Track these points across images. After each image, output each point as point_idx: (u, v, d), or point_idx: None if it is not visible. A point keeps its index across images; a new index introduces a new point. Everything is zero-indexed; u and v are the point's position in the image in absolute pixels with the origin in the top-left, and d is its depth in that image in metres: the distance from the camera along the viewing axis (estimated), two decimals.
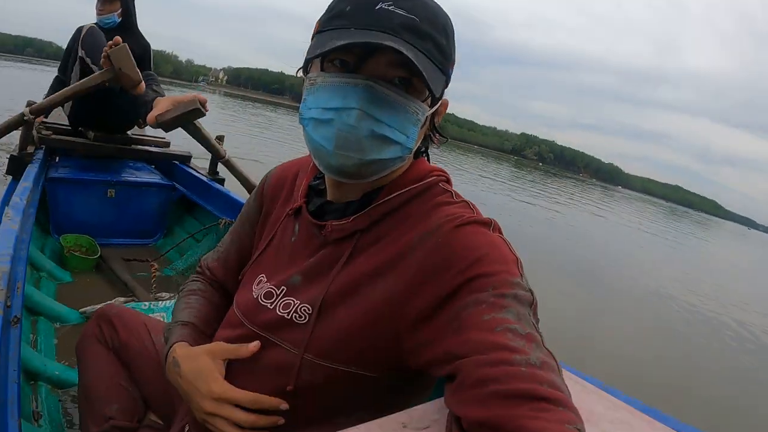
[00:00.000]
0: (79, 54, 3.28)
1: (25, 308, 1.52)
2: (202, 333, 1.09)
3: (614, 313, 7.21)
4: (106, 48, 2.89)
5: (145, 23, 3.76)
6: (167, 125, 3.04)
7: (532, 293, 0.77)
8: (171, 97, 3.09)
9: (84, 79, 3.03)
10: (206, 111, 3.05)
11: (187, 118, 3.04)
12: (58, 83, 3.67)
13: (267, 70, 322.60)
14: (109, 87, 3.15)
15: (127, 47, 2.89)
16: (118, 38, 2.91)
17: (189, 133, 3.31)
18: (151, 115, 3.05)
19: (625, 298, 8.29)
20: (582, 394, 0.74)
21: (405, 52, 0.75)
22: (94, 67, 3.14)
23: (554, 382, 0.65)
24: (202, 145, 3.52)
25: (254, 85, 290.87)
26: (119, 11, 3.51)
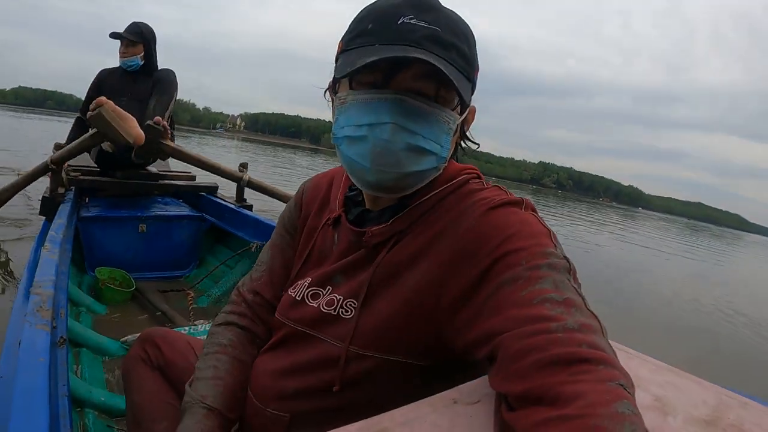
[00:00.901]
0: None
1: (68, 340, 1.55)
2: (226, 419, 1.02)
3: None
4: (90, 109, 2.97)
5: None
6: (143, 157, 3.33)
7: (567, 260, 0.76)
8: None
9: (81, 140, 3.17)
10: (162, 128, 3.25)
11: (152, 140, 3.21)
12: (78, 125, 3.83)
13: (283, 114, 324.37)
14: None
15: (108, 109, 2.94)
16: (100, 99, 2.97)
17: (198, 167, 3.45)
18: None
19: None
20: (625, 359, 0.73)
21: (434, 62, 0.76)
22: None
23: (594, 342, 0.63)
24: (217, 174, 3.63)
25: (271, 130, 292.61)
26: (142, 54, 3.66)
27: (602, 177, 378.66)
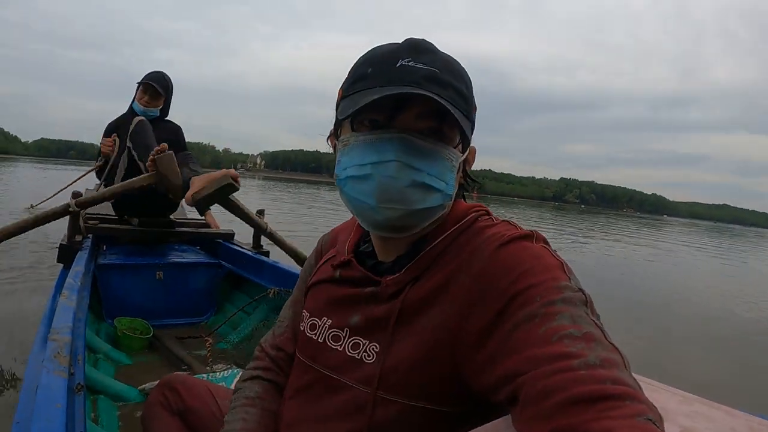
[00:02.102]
0: (128, 144, 3.48)
1: (85, 387, 1.56)
2: None
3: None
4: (153, 153, 3.09)
5: (181, 117, 4.03)
6: (203, 203, 3.14)
7: (583, 292, 0.75)
8: (205, 175, 3.19)
9: (129, 181, 3.22)
10: (239, 185, 3.15)
11: (222, 194, 3.13)
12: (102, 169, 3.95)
13: (302, 150, 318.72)
14: (154, 188, 3.30)
15: (173, 155, 3.09)
16: (164, 145, 3.11)
17: (228, 209, 3.39)
18: (187, 195, 3.17)
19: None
20: (651, 392, 0.71)
21: (437, 98, 0.78)
22: (140, 163, 3.32)
23: (617, 377, 0.61)
24: (243, 220, 3.61)
25: (292, 166, 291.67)
26: (161, 106, 3.87)
27: (625, 188, 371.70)
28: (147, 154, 3.18)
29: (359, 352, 0.91)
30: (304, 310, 1.06)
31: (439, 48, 0.88)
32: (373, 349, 0.90)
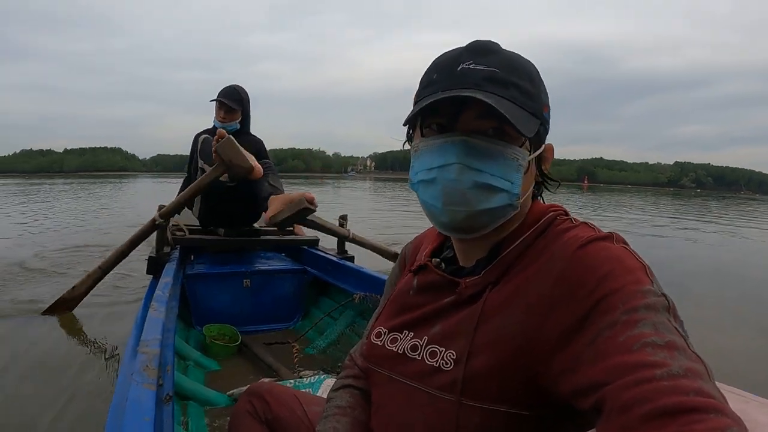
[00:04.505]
0: (200, 165, 3.57)
1: (175, 394, 1.59)
2: None
3: None
4: (213, 142, 3.16)
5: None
6: (281, 225, 3.24)
7: (666, 297, 0.73)
8: (281, 196, 3.25)
9: (200, 178, 3.32)
10: (315, 207, 3.18)
11: (298, 216, 3.19)
12: (186, 185, 4.04)
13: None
14: (231, 185, 3.37)
15: (232, 139, 3.13)
16: (221, 131, 3.17)
17: (307, 227, 3.49)
18: (266, 216, 3.25)
19: None
20: (740, 404, 0.65)
21: (484, 99, 0.79)
22: (207, 167, 3.40)
23: (701, 389, 0.59)
24: (325, 233, 3.67)
25: (401, 166, 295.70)
26: (239, 119, 3.92)
27: (743, 168, 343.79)
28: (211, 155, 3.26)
29: (437, 360, 0.91)
30: (381, 327, 1.06)
31: (503, 47, 0.89)
32: (450, 356, 0.89)
